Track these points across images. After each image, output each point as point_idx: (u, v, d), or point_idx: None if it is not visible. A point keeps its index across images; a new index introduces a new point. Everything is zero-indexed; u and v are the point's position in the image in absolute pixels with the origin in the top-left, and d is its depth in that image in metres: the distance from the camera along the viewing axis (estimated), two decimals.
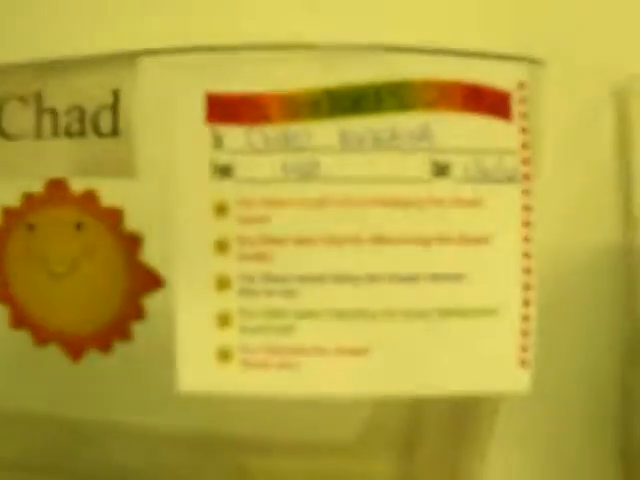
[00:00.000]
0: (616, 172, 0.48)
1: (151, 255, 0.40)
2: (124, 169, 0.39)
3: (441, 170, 0.36)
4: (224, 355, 0.37)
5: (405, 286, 0.36)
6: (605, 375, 0.48)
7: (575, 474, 0.48)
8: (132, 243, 0.40)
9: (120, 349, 0.41)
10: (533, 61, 0.37)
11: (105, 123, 0.39)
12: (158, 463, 0.45)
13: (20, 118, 0.40)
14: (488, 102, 0.36)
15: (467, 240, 0.36)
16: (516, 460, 0.46)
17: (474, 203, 0.36)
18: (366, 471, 0.43)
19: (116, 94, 0.38)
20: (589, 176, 0.47)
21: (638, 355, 0.47)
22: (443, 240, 0.36)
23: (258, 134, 0.36)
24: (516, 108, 0.36)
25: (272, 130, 0.36)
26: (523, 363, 0.37)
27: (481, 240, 0.36)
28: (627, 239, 0.48)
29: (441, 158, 0.36)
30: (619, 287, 0.48)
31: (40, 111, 0.40)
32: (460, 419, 0.42)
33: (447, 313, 0.36)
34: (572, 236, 0.47)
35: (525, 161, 0.37)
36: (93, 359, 0.41)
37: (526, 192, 0.37)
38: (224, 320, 0.37)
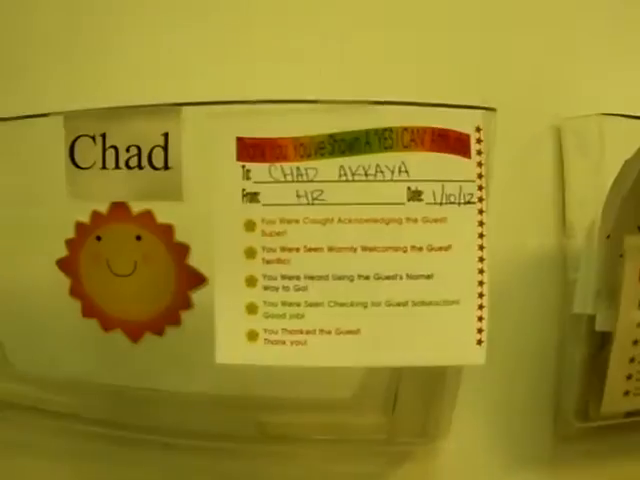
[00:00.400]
0: (553, 193, 0.55)
1: (196, 260, 0.47)
2: (173, 195, 0.46)
3: (414, 196, 0.43)
4: (251, 336, 0.44)
5: (388, 283, 0.44)
6: (543, 352, 0.55)
7: (517, 430, 0.56)
8: (181, 251, 0.47)
9: (171, 333, 0.49)
10: (487, 109, 0.44)
11: (157, 159, 0.46)
12: (191, 422, 0.52)
13: (89, 153, 0.47)
14: (452, 143, 0.43)
15: (435, 248, 0.44)
16: (469, 420, 0.54)
17: (440, 220, 0.44)
18: (358, 422, 0.50)
19: (166, 136, 0.46)
20: (532, 197, 0.55)
21: (569, 337, 0.54)
22: (416, 249, 0.44)
23: (277, 169, 0.44)
24: (474, 147, 0.44)
25: (288, 166, 0.44)
26: (479, 342, 0.44)
27: (445, 248, 0.44)
28: (562, 244, 0.55)
29: (414, 186, 0.43)
30: (556, 282, 0.55)
31: (105, 148, 0.47)
32: (430, 381, 0.50)
33: (420, 303, 0.44)
34: (518, 243, 0.54)
35: (480, 187, 0.44)
36: (149, 341, 0.49)
37: (480, 211, 0.44)
38: (252, 309, 0.44)
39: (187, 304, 0.48)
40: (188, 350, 0.49)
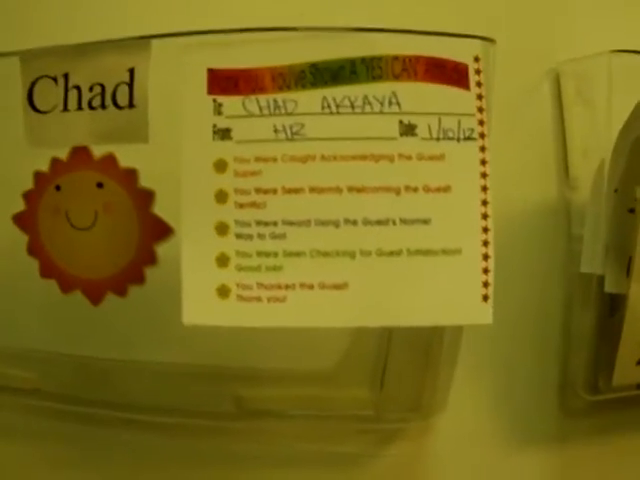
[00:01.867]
0: (555, 140, 0.48)
1: (161, 208, 0.39)
2: (138, 136, 0.39)
3: (407, 130, 0.36)
4: (223, 292, 0.36)
5: (378, 229, 0.36)
6: (548, 317, 0.48)
7: (520, 404, 0.48)
8: (145, 198, 0.39)
9: (134, 293, 0.41)
10: (485, 39, 0.37)
11: (122, 98, 0.39)
12: (161, 396, 0.45)
13: (50, 95, 0.40)
14: (448, 73, 0.36)
15: (431, 189, 0.36)
16: (467, 392, 0.46)
17: (437, 158, 0.36)
18: (343, 396, 0.43)
19: (131, 72, 0.39)
20: (531, 139, 0.48)
21: (576, 300, 0.47)
22: (410, 189, 0.36)
23: (253, 102, 0.36)
24: (472, 78, 0.36)
25: (264, 98, 0.36)
26: (485, 297, 0.37)
27: (444, 189, 0.36)
28: (565, 196, 0.48)
29: (407, 120, 0.36)
30: (560, 237, 0.48)
31: (67, 89, 0.41)
32: (425, 347, 0.42)
33: (416, 252, 0.36)
34: (516, 195, 0.47)
35: (481, 122, 0.37)
36: (112, 303, 0.42)
37: (482, 148, 0.37)
38: (223, 261, 0.36)
39: (151, 259, 0.40)
40: (154, 313, 0.41)
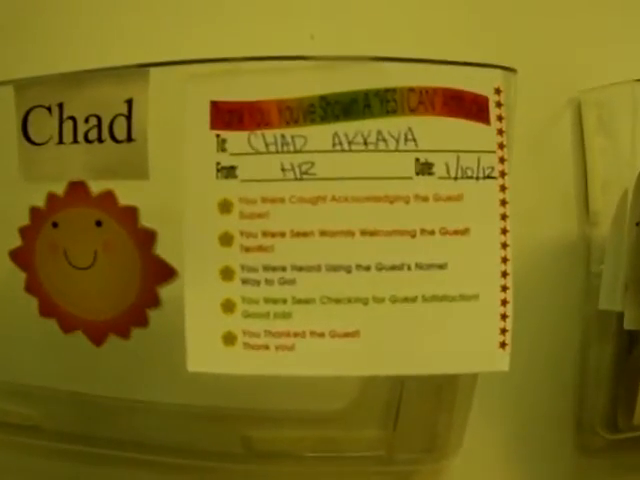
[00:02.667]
0: (575, 170, 0.45)
1: (164, 248, 0.37)
2: (137, 172, 0.36)
3: (424, 169, 0.33)
4: (229, 339, 0.34)
5: (392, 274, 0.33)
6: (565, 354, 0.45)
7: (536, 443, 0.45)
8: (147, 238, 0.37)
9: (138, 335, 0.38)
10: (506, 69, 0.34)
11: (120, 130, 0.36)
12: (167, 437, 0.42)
13: (44, 126, 0.37)
14: (467, 106, 0.33)
15: (449, 232, 0.33)
16: (482, 432, 0.43)
17: (455, 198, 0.33)
18: (354, 438, 0.40)
19: (129, 103, 0.36)
20: (551, 173, 0.45)
21: (594, 338, 0.44)
22: (426, 232, 0.33)
23: (259, 138, 0.33)
24: (493, 111, 0.33)
25: (271, 134, 0.33)
26: (503, 345, 0.34)
27: (462, 232, 0.33)
28: (584, 232, 0.45)
29: (424, 158, 0.33)
30: (578, 275, 0.45)
31: (62, 120, 0.38)
32: (439, 389, 0.39)
33: (432, 299, 0.33)
34: (535, 231, 0.44)
35: (501, 159, 0.34)
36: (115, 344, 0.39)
37: (502, 188, 0.34)
38: (229, 307, 0.34)
39: (155, 301, 0.37)
40: (159, 353, 0.38)
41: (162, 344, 0.37)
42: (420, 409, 0.40)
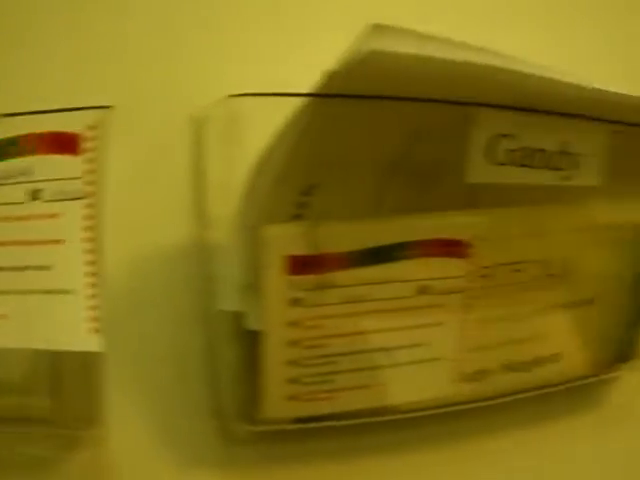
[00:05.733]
0: (192, 184, 0.50)
1: None
2: None
3: (35, 195, 0.43)
4: None
5: (18, 273, 0.43)
6: (195, 353, 0.50)
7: (179, 433, 0.50)
8: None
9: None
10: (101, 107, 0.43)
11: None
12: None
13: None
14: (62, 143, 0.43)
15: (52, 242, 0.43)
16: (127, 412, 0.49)
17: (57, 215, 0.43)
18: (28, 405, 0.47)
19: None
20: (167, 188, 0.50)
21: (222, 336, 0.48)
22: (39, 243, 0.43)
23: None
24: (83, 145, 0.43)
25: None
26: (93, 330, 0.43)
27: (61, 241, 0.43)
28: (202, 237, 0.50)
29: (35, 187, 0.43)
30: (200, 277, 0.50)
31: None
32: (86, 366, 0.46)
33: (43, 292, 0.43)
34: (156, 235, 0.49)
35: (90, 182, 0.43)
36: None
37: (89, 205, 0.43)
38: None
39: None
40: None
41: None
42: (76, 382, 0.47)
